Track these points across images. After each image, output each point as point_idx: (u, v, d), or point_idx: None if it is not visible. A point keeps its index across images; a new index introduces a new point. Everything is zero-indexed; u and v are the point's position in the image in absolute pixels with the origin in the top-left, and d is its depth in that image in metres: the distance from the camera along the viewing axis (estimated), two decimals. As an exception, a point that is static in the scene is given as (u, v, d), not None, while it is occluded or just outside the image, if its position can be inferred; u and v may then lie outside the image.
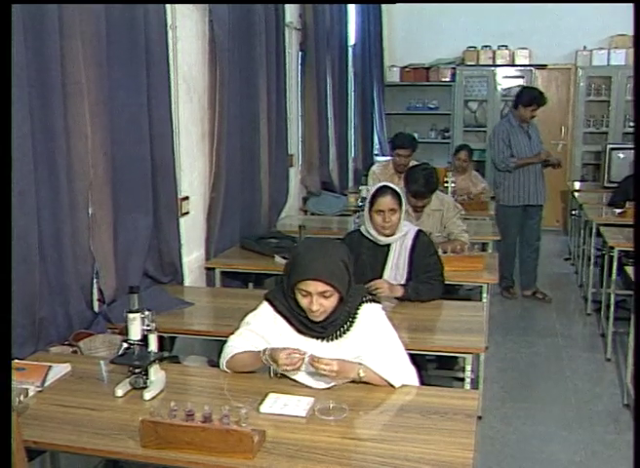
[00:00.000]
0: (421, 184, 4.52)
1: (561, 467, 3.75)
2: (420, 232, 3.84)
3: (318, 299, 2.50)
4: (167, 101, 3.77)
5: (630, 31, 8.82)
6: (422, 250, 3.77)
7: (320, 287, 2.49)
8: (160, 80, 3.66)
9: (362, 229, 3.81)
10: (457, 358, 4.00)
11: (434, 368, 4.36)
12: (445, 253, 4.17)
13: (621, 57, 8.85)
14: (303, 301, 2.53)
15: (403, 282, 3.71)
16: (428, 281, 3.70)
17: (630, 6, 8.51)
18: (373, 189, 3.79)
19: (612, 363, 5.12)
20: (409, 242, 3.77)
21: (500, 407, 4.41)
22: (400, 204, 3.69)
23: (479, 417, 4.13)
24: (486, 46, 9.26)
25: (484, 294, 4.13)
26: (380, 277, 3.71)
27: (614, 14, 8.72)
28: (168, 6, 3.76)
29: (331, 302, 2.54)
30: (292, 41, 6.03)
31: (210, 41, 4.25)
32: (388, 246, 3.77)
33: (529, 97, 6.31)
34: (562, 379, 4.86)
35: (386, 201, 3.66)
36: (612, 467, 3.76)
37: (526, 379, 4.90)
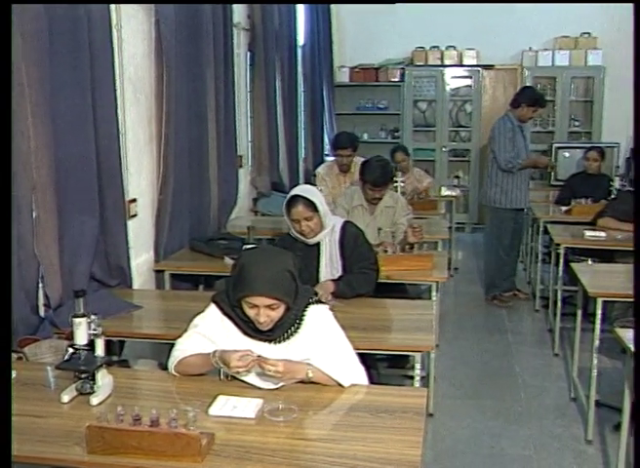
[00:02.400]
0: (379, 174, 4.58)
1: (511, 461, 3.81)
2: (346, 224, 3.87)
3: (265, 311, 2.51)
4: (112, 102, 3.72)
5: (573, 33, 9.03)
6: (351, 241, 3.80)
7: (267, 301, 2.49)
8: (105, 81, 3.61)
9: (291, 232, 3.81)
10: (408, 356, 4.02)
11: (386, 366, 4.39)
12: (394, 252, 4.20)
13: (565, 57, 9.02)
14: (250, 312, 2.53)
15: (339, 275, 3.75)
16: (361, 271, 3.74)
17: (574, 9, 8.76)
18: (286, 198, 3.77)
19: (559, 358, 5.22)
20: (337, 235, 3.79)
21: (451, 403, 4.45)
22: (315, 209, 3.66)
23: (430, 415, 4.19)
24: (434, 46, 9.34)
25: (433, 293, 4.17)
26: (317, 276, 3.74)
27: (558, 15, 8.89)
28: (112, 5, 3.71)
29: (278, 313, 2.54)
30: (240, 42, 6.00)
31: (156, 41, 4.21)
32: (319, 244, 3.78)
33: (533, 98, 6.18)
34: (511, 375, 4.93)
35: (298, 211, 3.67)
36: (560, 460, 3.83)
37: (476, 376, 4.96)
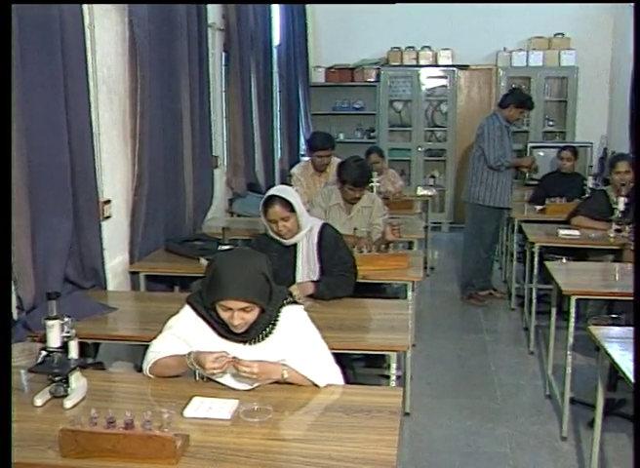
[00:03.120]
0: (359, 174, 4.60)
1: (487, 459, 3.83)
2: (325, 226, 3.85)
3: (239, 314, 2.51)
4: (86, 104, 3.68)
5: (547, 34, 9.11)
6: (330, 243, 3.79)
7: (241, 304, 2.49)
8: (78, 82, 3.58)
9: (268, 233, 3.79)
10: (384, 356, 4.03)
11: (362, 366, 4.40)
12: (369, 251, 4.21)
13: (539, 58, 9.09)
14: (224, 315, 2.53)
15: (316, 278, 3.74)
16: (340, 274, 3.73)
17: (547, 9, 8.83)
18: (263, 198, 3.76)
19: (535, 355, 5.26)
20: (315, 237, 3.78)
21: (428, 403, 4.47)
22: (292, 209, 3.65)
23: (407, 414, 4.21)
24: (410, 47, 9.38)
25: (409, 293, 4.18)
26: (293, 277, 3.72)
27: (532, 16, 8.97)
28: (85, 6, 3.68)
29: (252, 315, 2.54)
30: (215, 42, 5.98)
31: (130, 42, 4.18)
32: (296, 245, 3.77)
33: (521, 99, 6.23)
34: (487, 373, 4.96)
35: (275, 211, 3.65)
36: (536, 457, 3.86)
37: (452, 375, 4.99)
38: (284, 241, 3.74)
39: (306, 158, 7.80)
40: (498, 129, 6.17)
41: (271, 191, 3.79)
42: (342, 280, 3.73)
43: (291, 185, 5.77)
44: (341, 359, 2.84)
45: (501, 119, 6.20)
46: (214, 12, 5.87)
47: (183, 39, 4.85)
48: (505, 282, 6.98)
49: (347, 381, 2.79)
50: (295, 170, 6.13)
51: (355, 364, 4.17)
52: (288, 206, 3.65)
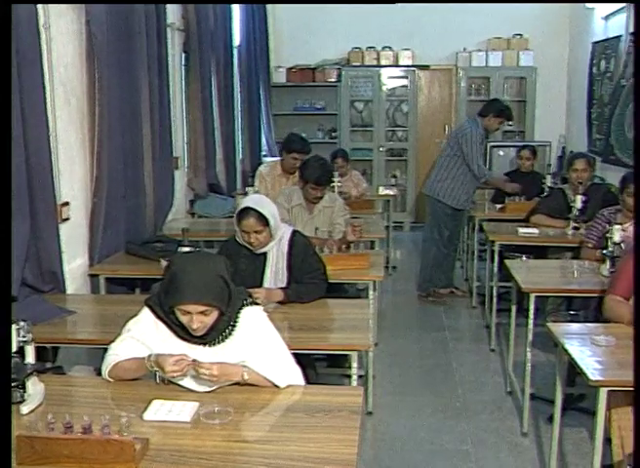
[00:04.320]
0: (321, 173, 4.62)
1: (449, 456, 3.86)
2: (294, 233, 3.82)
3: (198, 317, 2.49)
4: (42, 104, 3.63)
5: (505, 34, 9.21)
6: (300, 251, 3.76)
7: (199, 308, 2.48)
8: (33, 82, 3.53)
9: (238, 237, 3.73)
10: (347, 355, 4.04)
11: (325, 366, 4.40)
12: (330, 251, 4.22)
13: (498, 58, 9.19)
14: (183, 318, 2.52)
15: (284, 286, 3.71)
16: (310, 281, 3.72)
17: (506, 10, 8.93)
18: (238, 209, 3.70)
19: (496, 353, 5.31)
20: (285, 245, 3.75)
21: (390, 401, 4.49)
22: (266, 223, 3.60)
23: (369, 413, 4.22)
24: (370, 47, 9.41)
25: (370, 292, 4.20)
26: (261, 285, 3.69)
27: (490, 17, 9.06)
28: (39, 5, 3.63)
29: (211, 318, 2.53)
30: (174, 42, 5.94)
31: (87, 41, 4.13)
32: (266, 253, 3.73)
33: (500, 109, 6.23)
34: (449, 371, 5.00)
35: (249, 224, 3.59)
36: (497, 453, 3.89)
37: (415, 373, 5.01)
38: (254, 249, 3.72)
39: (270, 158, 7.82)
40: (480, 136, 6.19)
41: (247, 202, 3.69)
42: (312, 287, 3.72)
43: (253, 185, 5.78)
44: (303, 359, 2.84)
45: (481, 127, 6.22)
46: (173, 12, 5.83)
47: (142, 39, 4.81)
48: (467, 280, 7.04)
49: (309, 381, 2.79)
50: (262, 168, 6.11)
51: (317, 364, 4.17)
52: (263, 220, 3.59)
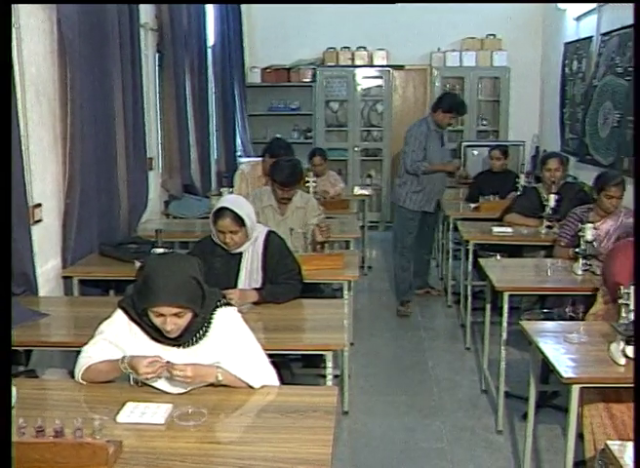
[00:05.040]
0: (287, 174, 4.56)
1: (425, 455, 3.88)
2: (270, 234, 3.82)
3: (172, 319, 2.48)
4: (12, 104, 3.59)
5: (479, 35, 9.26)
6: (275, 252, 3.76)
7: (173, 310, 2.47)
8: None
9: (213, 236, 3.72)
10: (322, 355, 4.04)
11: (301, 366, 4.40)
12: (318, 247, 4.22)
13: (472, 58, 9.23)
14: (157, 320, 2.51)
15: (258, 286, 3.70)
16: (285, 282, 3.71)
17: (479, 11, 8.98)
18: (214, 208, 3.69)
19: (471, 351, 5.34)
20: (260, 246, 3.74)
21: (366, 401, 4.50)
22: (242, 223, 3.60)
23: (345, 412, 4.23)
24: (345, 47, 9.41)
25: (345, 292, 4.20)
26: (235, 285, 3.68)
27: (464, 17, 9.11)
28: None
29: (185, 320, 2.52)
30: (148, 42, 5.90)
31: (59, 41, 4.09)
32: (241, 253, 3.73)
33: (449, 104, 6.09)
34: (424, 370, 5.02)
35: (225, 224, 3.59)
36: (472, 450, 3.92)
37: (391, 372, 5.03)
38: (229, 249, 3.71)
39: (246, 159, 7.79)
40: (421, 134, 6.09)
41: (224, 202, 3.69)
42: (287, 287, 3.71)
43: (229, 185, 5.75)
44: (277, 360, 2.85)
45: (431, 123, 6.12)
46: (146, 11, 5.79)
47: (115, 39, 4.77)
48: (442, 279, 7.06)
49: (284, 382, 2.79)
50: (243, 167, 6.10)
51: (293, 364, 4.17)
52: (239, 220, 3.59)
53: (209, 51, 7.66)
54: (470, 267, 5.48)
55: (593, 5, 7.09)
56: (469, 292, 5.51)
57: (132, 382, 2.56)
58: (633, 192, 4.28)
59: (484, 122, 9.55)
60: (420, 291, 6.64)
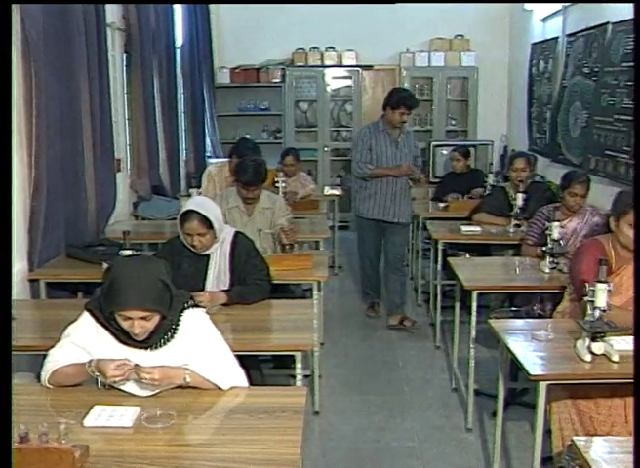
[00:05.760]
0: (251, 174, 4.53)
1: (396, 454, 3.89)
2: (237, 235, 3.80)
3: (139, 323, 2.47)
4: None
5: (447, 35, 9.32)
6: (243, 253, 3.75)
7: (140, 313, 2.45)
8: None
9: (182, 238, 3.70)
10: (293, 356, 4.04)
11: (271, 367, 4.39)
12: (283, 248, 4.21)
13: (441, 58, 9.28)
14: (124, 324, 2.49)
15: (226, 288, 3.69)
16: (254, 282, 3.71)
17: (448, 11, 9.03)
18: (181, 211, 3.67)
19: (441, 350, 5.36)
20: (227, 247, 3.73)
21: (337, 401, 4.50)
22: (210, 225, 3.59)
23: (316, 413, 4.23)
24: (314, 47, 9.41)
25: (314, 292, 4.20)
26: (203, 286, 3.66)
27: (433, 18, 9.15)
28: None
29: (152, 323, 2.51)
30: (115, 42, 5.86)
31: (22, 41, 4.04)
32: (209, 254, 3.71)
33: (397, 99, 5.63)
34: (395, 369, 5.03)
35: (192, 227, 3.58)
36: (442, 449, 3.94)
37: (361, 372, 5.03)
38: (197, 251, 3.69)
39: (216, 159, 7.77)
40: (365, 134, 5.73)
41: (191, 204, 3.67)
42: (256, 288, 3.70)
43: (199, 186, 5.72)
44: (247, 360, 2.84)
45: (382, 124, 5.72)
46: (113, 11, 5.74)
47: (81, 39, 4.73)
48: (412, 278, 7.08)
49: (253, 383, 2.79)
50: (211, 168, 6.08)
51: (264, 365, 4.16)
52: (206, 222, 3.57)
53: (177, 51, 7.63)
54: (440, 266, 5.50)
55: (559, 6, 7.17)
56: (439, 291, 5.54)
57: (99, 385, 2.54)
58: (633, 193, 4.32)
59: (453, 122, 9.60)
60: (392, 318, 5.91)
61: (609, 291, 2.90)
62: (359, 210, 5.95)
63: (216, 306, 3.50)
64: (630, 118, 5.36)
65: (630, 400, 3.14)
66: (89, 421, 2.30)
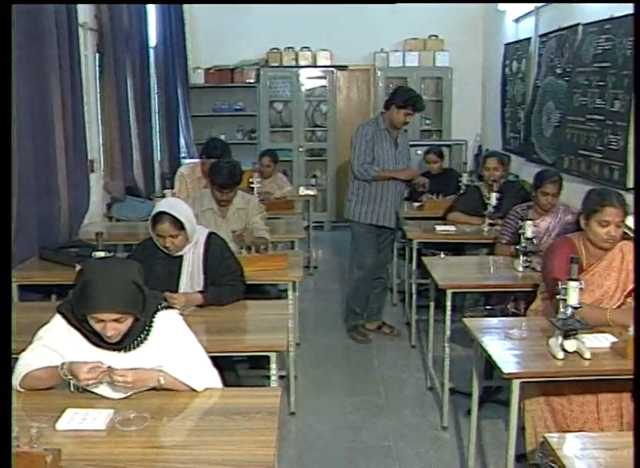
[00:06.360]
0: (225, 177, 4.50)
1: (371, 453, 3.90)
2: (210, 236, 3.79)
3: (112, 325, 2.45)
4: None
5: (421, 35, 9.35)
6: (216, 254, 3.73)
7: (113, 316, 2.44)
8: None
9: (154, 238, 3.67)
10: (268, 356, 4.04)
11: (247, 368, 4.38)
12: (248, 249, 4.20)
13: (415, 58, 9.31)
14: (97, 326, 2.47)
15: (200, 289, 3.67)
16: (228, 283, 3.69)
17: (422, 11, 9.07)
18: (153, 212, 3.63)
19: (416, 349, 5.38)
20: (201, 248, 3.71)
21: (313, 401, 4.50)
22: (181, 227, 3.57)
23: (292, 413, 4.23)
24: (289, 47, 9.40)
25: (289, 292, 4.20)
26: (177, 287, 3.64)
27: (407, 18, 9.18)
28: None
29: (125, 325, 2.50)
30: (87, 42, 5.81)
31: (-7, 41, 4.00)
32: (182, 255, 3.70)
33: (404, 98, 5.27)
34: (371, 369, 5.04)
35: (164, 228, 3.55)
36: (418, 447, 3.95)
37: (337, 372, 5.03)
38: (170, 252, 3.67)
39: (190, 160, 7.73)
40: (367, 134, 5.31)
41: (162, 206, 3.64)
42: (230, 289, 3.69)
43: (172, 187, 5.70)
44: (221, 361, 2.83)
45: (382, 123, 5.33)
46: (85, 11, 5.70)
47: (52, 39, 4.69)
48: (388, 278, 7.09)
49: (228, 384, 2.78)
50: (182, 169, 6.04)
51: (239, 366, 4.15)
52: (177, 223, 3.55)
53: (151, 51, 7.59)
54: (414, 266, 5.52)
55: (531, 7, 7.23)
56: (414, 291, 5.56)
57: (72, 389, 2.52)
58: (633, 193, 4.36)
59: (427, 121, 9.63)
60: (371, 324, 5.75)
61: (580, 288, 2.93)
62: (356, 214, 5.45)
63: (190, 307, 3.49)
64: (603, 117, 5.43)
65: (602, 396, 3.18)
66: (61, 425, 2.28)
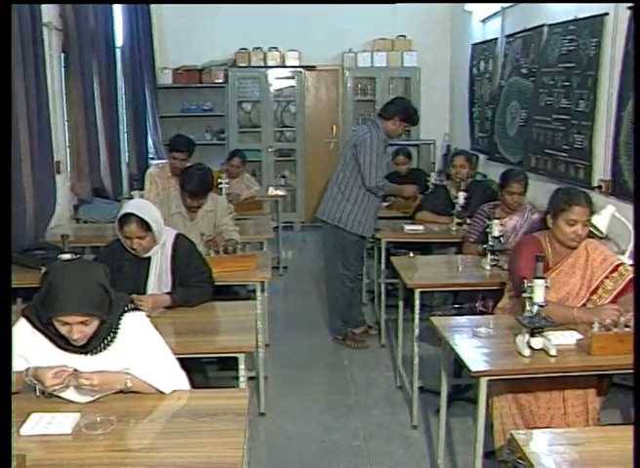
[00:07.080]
0: (197, 184, 4.48)
1: (341, 452, 3.90)
2: (178, 237, 3.77)
3: (78, 328, 2.43)
4: None
5: (390, 35, 9.39)
6: (184, 255, 3.71)
7: (79, 318, 2.41)
8: None
9: (121, 240, 3.64)
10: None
11: (216, 369, 4.36)
12: (217, 252, 4.19)
13: (383, 59, 9.34)
14: (63, 329, 2.44)
15: (168, 291, 3.65)
16: (196, 284, 3.68)
17: (390, 12, 9.10)
18: (119, 214, 3.60)
19: (386, 348, 5.40)
20: (168, 249, 3.69)
21: (283, 401, 4.50)
22: (148, 228, 3.54)
23: (262, 414, 4.22)
24: (257, 48, 9.38)
25: (258, 293, 4.19)
26: (144, 289, 3.62)
27: (375, 19, 9.21)
28: None
29: (91, 327, 2.47)
30: (52, 42, 5.74)
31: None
32: (150, 256, 3.67)
33: (409, 113, 5.20)
34: (341, 369, 5.05)
35: (131, 230, 3.52)
36: (388, 446, 3.96)
37: (307, 372, 5.03)
38: (137, 254, 3.64)
39: (159, 161, 7.68)
40: (380, 147, 5.11)
41: (128, 207, 3.61)
42: (198, 290, 3.68)
43: (141, 188, 5.66)
44: (190, 363, 2.82)
45: (382, 133, 5.13)
46: (49, 10, 5.63)
47: (16, 39, 4.62)
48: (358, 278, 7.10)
49: (197, 385, 2.77)
50: (152, 169, 6.02)
51: (209, 367, 4.13)
52: (144, 225, 3.52)
53: (117, 51, 7.52)
54: (383, 265, 5.53)
55: (498, 7, 7.29)
56: (383, 290, 5.57)
57: (38, 393, 2.49)
58: (633, 194, 4.39)
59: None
60: (359, 329, 5.61)
61: (546, 287, 2.95)
62: (348, 224, 5.26)
63: (158, 309, 3.46)
64: (568, 117, 5.50)
65: (568, 392, 3.22)
66: (26, 430, 2.25)
